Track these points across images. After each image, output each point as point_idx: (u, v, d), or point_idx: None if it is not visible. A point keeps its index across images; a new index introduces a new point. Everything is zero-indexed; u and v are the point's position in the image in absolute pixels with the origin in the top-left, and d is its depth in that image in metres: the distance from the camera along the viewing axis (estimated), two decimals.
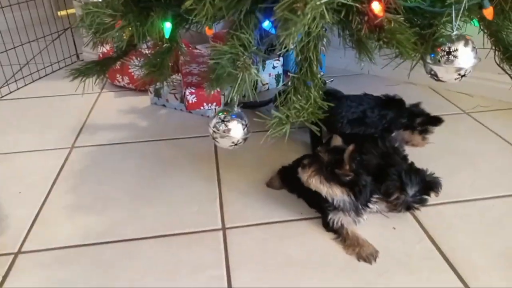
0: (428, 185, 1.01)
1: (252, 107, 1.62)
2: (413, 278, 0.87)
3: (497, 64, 0.97)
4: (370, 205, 0.98)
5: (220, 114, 0.96)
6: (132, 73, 1.78)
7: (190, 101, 1.47)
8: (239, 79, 0.68)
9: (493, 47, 0.89)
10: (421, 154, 1.28)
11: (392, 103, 1.29)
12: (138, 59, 1.32)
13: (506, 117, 1.52)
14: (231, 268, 0.90)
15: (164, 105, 1.67)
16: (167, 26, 0.90)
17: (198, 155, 1.34)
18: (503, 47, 0.86)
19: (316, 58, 0.72)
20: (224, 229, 1.02)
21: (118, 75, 1.83)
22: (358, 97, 1.32)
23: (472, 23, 0.93)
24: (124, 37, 0.98)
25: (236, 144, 0.97)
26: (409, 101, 1.52)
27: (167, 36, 0.90)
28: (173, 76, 1.74)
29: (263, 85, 1.79)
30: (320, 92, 0.77)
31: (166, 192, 1.16)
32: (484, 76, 1.65)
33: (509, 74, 1.00)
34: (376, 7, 0.69)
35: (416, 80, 1.79)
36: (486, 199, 1.09)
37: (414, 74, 1.77)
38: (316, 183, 0.94)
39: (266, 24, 0.79)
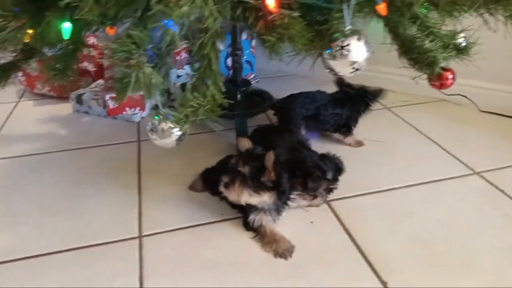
0: (337, 165, 1.05)
1: None
2: (328, 270, 0.88)
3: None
4: (290, 203, 0.99)
5: (156, 117, 0.91)
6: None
7: (111, 106, 1.41)
8: (133, 78, 0.65)
9: (393, 43, 0.93)
10: (343, 148, 1.32)
11: (345, 100, 1.32)
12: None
13: (422, 110, 1.61)
14: (145, 276, 0.87)
15: (87, 112, 1.60)
16: (66, 26, 0.85)
17: (120, 162, 1.29)
18: (400, 42, 0.90)
19: (215, 55, 0.71)
20: (140, 237, 0.98)
21: (37, 83, 1.72)
22: (312, 93, 1.33)
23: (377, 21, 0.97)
24: (27, 39, 0.92)
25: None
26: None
27: (66, 37, 0.85)
28: (98, 82, 1.67)
29: None
30: (220, 90, 0.76)
31: (80, 203, 1.10)
32: (401, 73, 1.73)
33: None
34: (270, 3, 0.69)
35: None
36: (399, 188, 1.14)
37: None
38: (247, 198, 0.92)
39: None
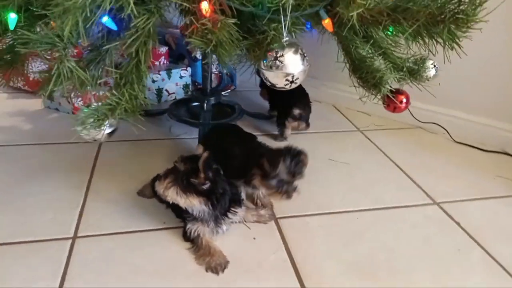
0: (297, 153, 0.97)
1: (148, 115, 1.58)
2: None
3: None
4: (230, 215, 0.96)
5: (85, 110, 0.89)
6: (28, 74, 1.68)
7: (76, 105, 1.40)
8: (54, 70, 0.64)
9: (344, 61, 0.92)
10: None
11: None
12: None
13: (395, 136, 1.58)
14: (67, 279, 0.83)
15: (57, 109, 1.59)
16: (12, 16, 0.84)
17: (76, 161, 1.26)
18: (351, 60, 0.89)
19: (144, 55, 0.70)
20: (74, 238, 0.95)
21: (12, 77, 1.72)
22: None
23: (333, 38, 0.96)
24: None
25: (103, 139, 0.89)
26: (311, 119, 1.56)
27: (11, 27, 0.84)
28: None
29: (169, 94, 1.75)
30: (144, 90, 0.74)
31: (22, 199, 1.07)
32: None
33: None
34: (205, 7, 0.68)
35: (321, 99, 1.84)
36: (353, 211, 1.11)
37: (319, 93, 1.83)
38: (173, 195, 0.90)
39: (106, 19, 0.76)
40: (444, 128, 1.59)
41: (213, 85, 1.83)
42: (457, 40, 0.67)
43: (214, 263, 0.88)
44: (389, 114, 1.70)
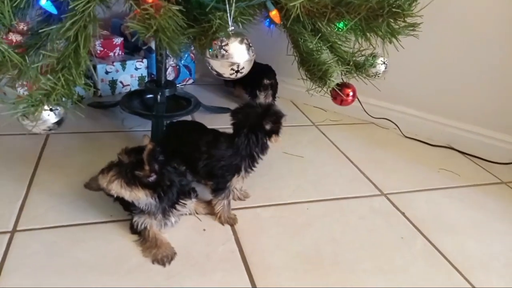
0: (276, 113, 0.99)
1: (100, 107, 1.54)
2: (205, 280, 0.84)
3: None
4: (178, 207, 0.95)
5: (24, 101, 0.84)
6: None
7: (20, 93, 1.33)
8: None
9: (294, 54, 0.93)
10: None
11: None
12: None
13: (349, 131, 1.62)
14: (3, 274, 0.79)
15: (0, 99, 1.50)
16: None
17: (21, 153, 1.21)
18: (299, 53, 0.90)
19: (85, 40, 0.68)
20: (13, 231, 0.91)
21: None
22: None
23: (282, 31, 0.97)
24: None
25: (50, 129, 0.85)
26: None
27: None
28: None
29: (124, 86, 1.71)
30: (81, 76, 0.72)
31: None
32: None
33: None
34: None
35: (279, 94, 1.85)
36: (302, 202, 1.13)
37: (278, 88, 1.83)
38: (117, 188, 0.87)
39: (44, 2, 0.73)
40: (395, 124, 1.65)
41: (171, 77, 1.81)
42: (395, 35, 0.70)
43: (161, 255, 0.87)
44: (344, 110, 1.76)
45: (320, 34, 0.89)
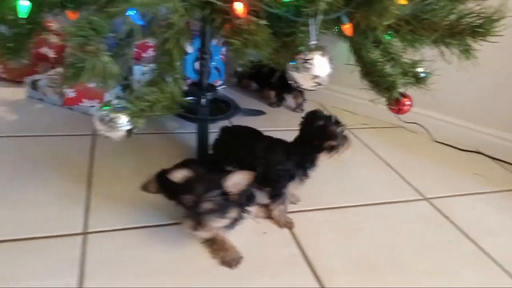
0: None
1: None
2: (273, 283, 0.87)
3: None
4: (245, 214, 0.97)
5: (105, 108, 0.86)
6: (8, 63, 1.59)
7: (68, 96, 1.35)
8: (88, 65, 0.63)
9: (356, 64, 0.96)
10: None
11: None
12: None
13: (380, 135, 1.66)
14: (85, 276, 0.82)
15: (41, 99, 1.52)
16: (23, 4, 0.81)
17: (71, 155, 1.23)
18: (362, 64, 0.93)
19: (178, 52, 0.70)
20: (85, 233, 0.93)
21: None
22: None
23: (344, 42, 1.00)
24: None
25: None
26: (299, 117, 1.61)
27: (22, 15, 0.81)
28: (56, 69, 1.60)
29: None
30: (180, 88, 0.75)
31: (23, 193, 1.03)
32: (365, 97, 1.80)
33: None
34: (239, 7, 0.69)
35: (307, 97, 1.88)
36: (351, 207, 1.16)
37: (306, 91, 1.87)
38: (216, 223, 0.88)
39: (133, 14, 0.75)
40: (425, 128, 1.69)
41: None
42: (471, 51, 0.73)
43: (229, 258, 0.90)
44: (373, 114, 1.80)
45: (382, 46, 0.92)
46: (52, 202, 1.01)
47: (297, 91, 1.79)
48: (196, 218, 0.85)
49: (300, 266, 0.93)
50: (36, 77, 1.52)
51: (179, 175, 0.89)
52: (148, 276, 0.85)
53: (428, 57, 0.95)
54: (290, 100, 1.84)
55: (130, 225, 0.97)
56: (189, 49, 1.76)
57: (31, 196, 1.03)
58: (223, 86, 1.85)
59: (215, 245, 0.93)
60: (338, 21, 0.83)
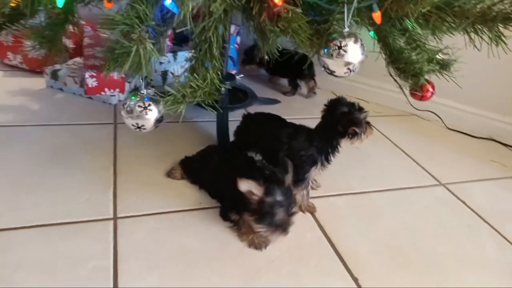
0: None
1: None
2: (302, 264, 0.90)
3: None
4: None
5: (133, 97, 0.88)
6: (26, 52, 1.60)
7: (90, 85, 1.37)
8: (133, 52, 0.64)
9: (381, 51, 0.97)
10: None
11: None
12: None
13: (394, 122, 1.68)
14: (119, 259, 0.85)
15: (61, 89, 1.54)
16: None
17: (95, 143, 1.25)
18: (389, 51, 0.95)
19: (216, 40, 0.72)
20: (115, 218, 0.96)
21: (9, 53, 1.64)
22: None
23: (370, 34, 1.01)
24: (12, 3, 0.88)
25: (144, 127, 0.89)
26: (313, 104, 1.64)
27: (59, 5, 0.82)
28: (75, 59, 1.61)
29: (174, 76, 1.74)
30: (218, 74, 0.76)
31: (53, 179, 1.06)
32: (378, 85, 1.81)
33: (394, 79, 1.10)
34: None
35: (321, 85, 1.90)
36: (370, 192, 1.19)
37: (319, 79, 1.89)
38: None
39: (169, 2, 0.76)
40: (438, 116, 1.71)
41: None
42: (503, 38, 0.75)
43: (258, 240, 0.93)
44: (386, 102, 1.82)
45: (408, 33, 0.94)
46: (83, 188, 1.04)
47: (309, 77, 1.80)
48: (286, 226, 0.88)
49: (325, 248, 0.96)
50: (56, 67, 1.53)
51: (245, 187, 0.87)
52: (183, 257, 0.87)
53: (452, 44, 0.97)
54: (303, 87, 1.85)
55: (157, 210, 1.00)
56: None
57: (63, 182, 1.05)
58: (241, 75, 1.86)
59: (244, 228, 0.95)
60: (369, 9, 0.84)
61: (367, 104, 1.81)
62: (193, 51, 0.78)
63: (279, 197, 0.87)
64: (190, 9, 0.54)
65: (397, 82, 1.07)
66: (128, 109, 0.86)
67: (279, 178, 0.91)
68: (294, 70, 1.76)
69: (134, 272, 0.82)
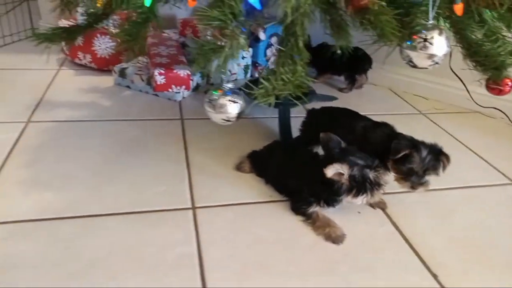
0: (438, 151, 1.04)
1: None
2: (378, 258, 0.90)
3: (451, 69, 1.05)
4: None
5: (214, 92, 0.92)
6: (95, 51, 1.70)
7: (159, 82, 1.43)
8: (227, 48, 0.67)
9: (458, 44, 0.96)
10: None
11: None
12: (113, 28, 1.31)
13: (456, 119, 1.63)
14: (202, 245, 0.89)
15: (128, 86, 1.62)
16: None
17: (165, 137, 1.31)
18: (467, 44, 0.93)
19: (302, 34, 0.74)
20: (194, 208, 1.00)
21: (79, 53, 1.74)
22: None
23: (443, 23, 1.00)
24: (98, 4, 0.94)
25: (228, 120, 0.92)
26: (371, 101, 1.64)
27: (147, 4, 0.87)
28: (139, 58, 1.69)
29: (231, 74, 1.78)
30: (305, 68, 0.78)
31: (130, 171, 1.12)
32: (438, 81, 1.77)
33: (460, 79, 1.08)
34: None
35: (377, 81, 1.88)
36: (441, 189, 1.16)
37: (375, 76, 1.87)
38: None
39: None
40: (504, 113, 1.64)
41: None
42: None
43: (335, 234, 0.94)
44: (447, 98, 1.77)
45: (487, 26, 0.92)
46: (159, 179, 1.09)
47: (364, 72, 1.80)
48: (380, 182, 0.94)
49: (399, 243, 0.95)
50: (123, 65, 1.61)
51: (332, 171, 0.90)
52: (261, 246, 0.90)
53: None
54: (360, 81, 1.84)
55: (231, 202, 1.03)
56: (262, 36, 1.80)
57: (139, 173, 1.11)
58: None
59: (318, 222, 0.96)
60: (448, 1, 0.83)
61: (427, 101, 1.78)
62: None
63: (360, 162, 0.91)
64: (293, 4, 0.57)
65: (459, 78, 1.05)
66: (214, 103, 0.89)
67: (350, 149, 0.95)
68: (352, 65, 1.75)
69: (217, 259, 0.86)
